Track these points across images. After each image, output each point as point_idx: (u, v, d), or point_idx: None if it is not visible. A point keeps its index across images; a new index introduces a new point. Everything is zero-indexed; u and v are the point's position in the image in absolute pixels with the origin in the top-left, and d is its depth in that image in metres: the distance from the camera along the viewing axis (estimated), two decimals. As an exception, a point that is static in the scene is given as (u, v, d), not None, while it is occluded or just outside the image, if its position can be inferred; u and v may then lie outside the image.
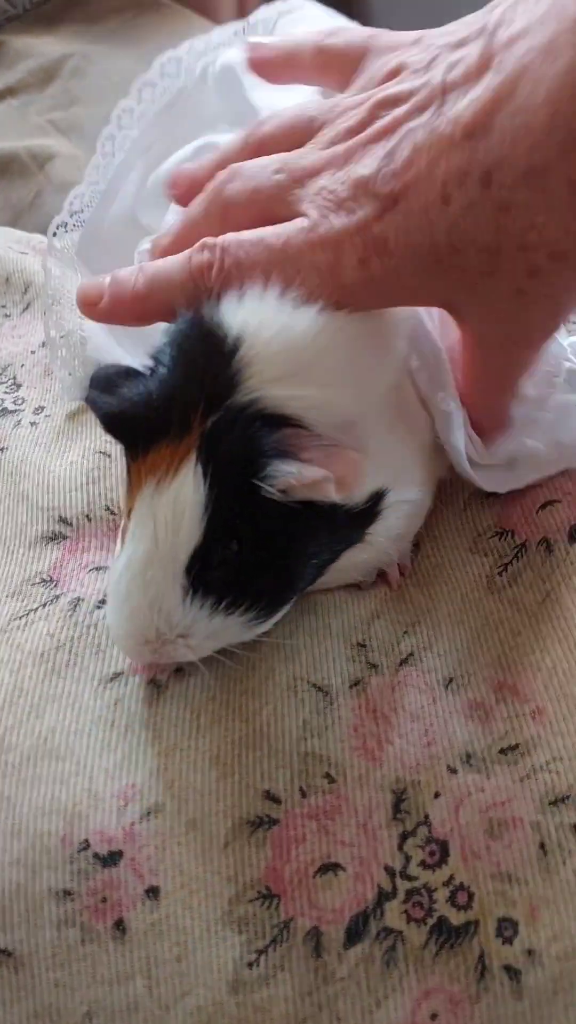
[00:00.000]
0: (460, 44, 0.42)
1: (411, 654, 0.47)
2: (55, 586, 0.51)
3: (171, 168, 0.56)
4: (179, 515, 0.41)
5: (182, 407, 0.42)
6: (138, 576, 0.42)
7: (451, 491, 0.54)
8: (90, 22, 1.19)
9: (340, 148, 0.44)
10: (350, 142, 0.44)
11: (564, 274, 0.40)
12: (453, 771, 0.43)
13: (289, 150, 0.46)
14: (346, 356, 0.44)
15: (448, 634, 0.48)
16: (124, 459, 0.45)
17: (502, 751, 0.44)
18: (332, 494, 0.42)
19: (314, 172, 0.44)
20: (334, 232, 0.42)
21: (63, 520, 0.54)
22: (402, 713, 0.45)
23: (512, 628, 0.48)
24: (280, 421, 0.42)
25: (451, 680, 0.47)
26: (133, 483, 0.43)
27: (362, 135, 0.43)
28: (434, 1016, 0.40)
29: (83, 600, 0.50)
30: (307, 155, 0.45)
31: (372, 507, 0.47)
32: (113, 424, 0.44)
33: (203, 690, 0.46)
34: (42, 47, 1.12)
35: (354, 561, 0.49)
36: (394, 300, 0.45)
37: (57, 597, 0.50)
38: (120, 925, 0.41)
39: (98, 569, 0.52)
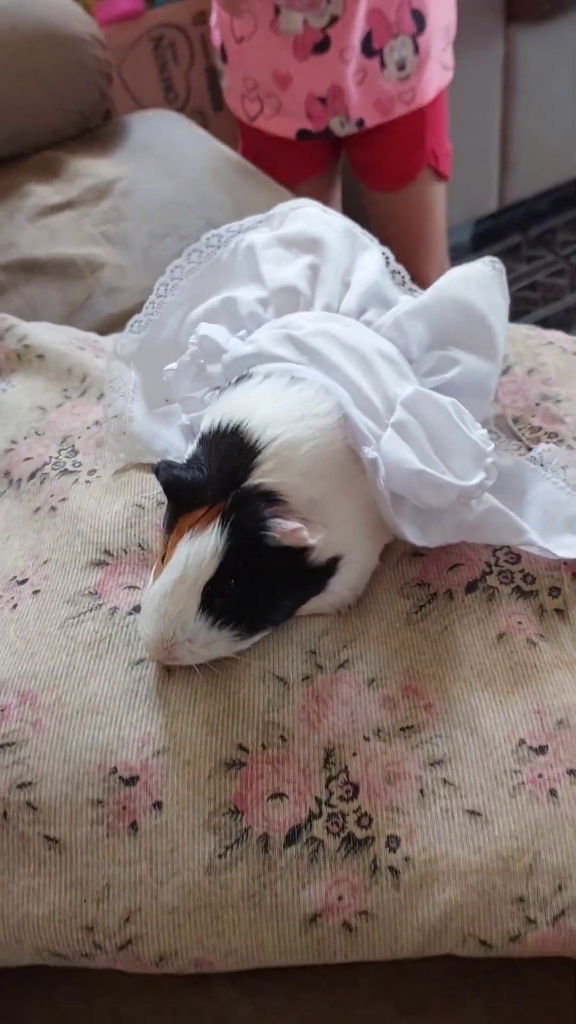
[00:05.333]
0: None
1: (347, 660, 0.68)
2: (99, 597, 0.71)
3: (203, 311, 0.79)
4: (203, 556, 0.62)
5: (215, 486, 0.63)
6: (169, 593, 0.62)
7: (387, 552, 0.75)
8: (135, 149, 1.44)
9: None
10: None
11: None
12: (367, 739, 0.64)
13: None
14: (315, 459, 0.65)
15: (375, 650, 0.69)
16: (168, 512, 0.65)
17: (401, 729, 0.64)
18: (307, 539, 0.62)
19: None
20: None
21: (107, 552, 0.74)
22: (336, 700, 0.66)
23: (419, 649, 0.69)
24: (271, 496, 0.63)
25: (373, 680, 0.67)
26: (177, 528, 0.64)
27: None
28: (340, 898, 0.59)
29: (118, 608, 0.70)
30: None
31: (330, 567, 0.68)
32: (171, 491, 0.65)
33: (200, 673, 0.66)
34: (97, 168, 1.36)
35: (320, 604, 0.70)
36: None
37: (100, 605, 0.71)
38: (134, 826, 0.61)
39: (130, 587, 0.72)
